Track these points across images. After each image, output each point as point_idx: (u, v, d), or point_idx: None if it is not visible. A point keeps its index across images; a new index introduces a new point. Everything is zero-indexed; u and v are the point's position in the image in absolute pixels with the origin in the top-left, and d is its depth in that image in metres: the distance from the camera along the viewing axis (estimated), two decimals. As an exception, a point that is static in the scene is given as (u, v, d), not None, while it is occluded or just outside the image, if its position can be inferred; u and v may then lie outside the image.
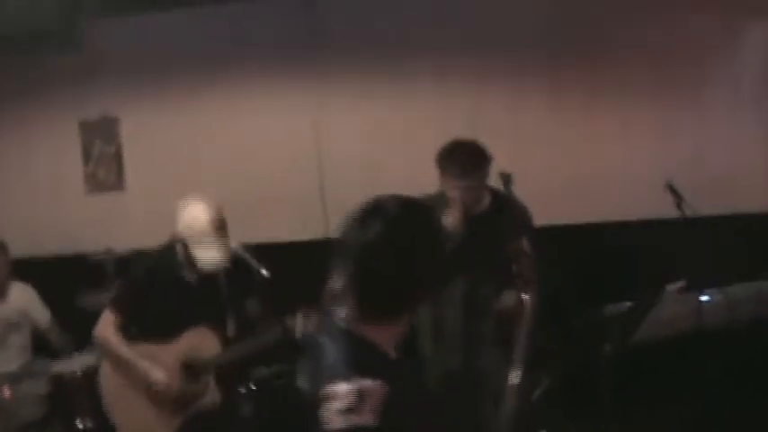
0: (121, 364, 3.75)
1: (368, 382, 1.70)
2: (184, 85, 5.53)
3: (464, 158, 3.67)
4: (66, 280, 5.23)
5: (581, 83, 5.08)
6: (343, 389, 1.71)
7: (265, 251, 3.81)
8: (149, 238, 5.35)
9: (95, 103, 5.64)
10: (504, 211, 3.65)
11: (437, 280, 1.90)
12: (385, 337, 1.82)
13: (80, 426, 4.36)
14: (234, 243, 3.68)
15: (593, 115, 5.09)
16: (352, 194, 5.09)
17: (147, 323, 3.77)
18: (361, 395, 1.69)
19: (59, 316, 5.12)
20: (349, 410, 1.70)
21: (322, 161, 5.31)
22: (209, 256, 3.68)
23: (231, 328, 3.86)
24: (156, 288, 3.75)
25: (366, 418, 1.69)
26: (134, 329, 3.79)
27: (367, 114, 5.29)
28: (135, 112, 5.61)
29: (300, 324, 3.57)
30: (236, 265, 3.73)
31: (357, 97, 5.33)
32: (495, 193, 3.78)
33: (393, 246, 1.80)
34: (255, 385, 4.63)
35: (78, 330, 4.81)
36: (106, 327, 3.76)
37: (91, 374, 4.46)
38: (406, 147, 5.17)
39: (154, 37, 5.55)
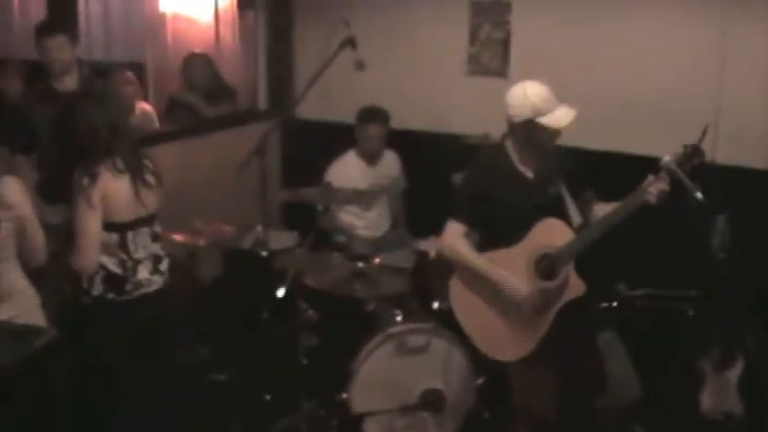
0: (475, 276, 3.66)
1: None
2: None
3: None
4: (438, 157, 5.32)
5: None
6: None
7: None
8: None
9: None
10: None
11: None
12: None
13: (435, 306, 4.42)
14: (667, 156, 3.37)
15: None
16: (750, 120, 4.80)
17: (492, 226, 3.63)
18: None
19: (426, 191, 5.25)
20: None
21: (723, 80, 4.87)
22: (562, 114, 3.46)
23: (575, 221, 3.61)
24: (495, 188, 3.59)
25: None
26: (481, 235, 3.68)
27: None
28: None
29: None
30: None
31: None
32: None
33: None
34: (618, 302, 4.54)
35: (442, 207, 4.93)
36: (454, 236, 3.65)
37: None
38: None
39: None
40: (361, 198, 4.79)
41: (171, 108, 6.03)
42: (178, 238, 4.59)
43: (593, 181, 3.78)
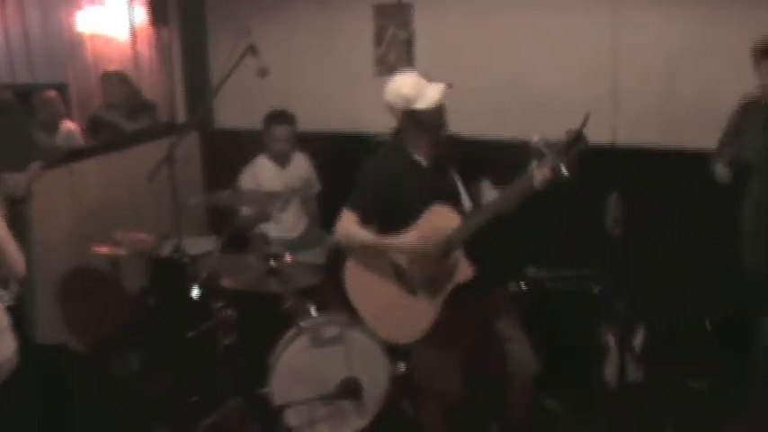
0: (368, 261, 3.80)
1: None
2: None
3: None
4: (350, 157, 5.48)
5: None
6: None
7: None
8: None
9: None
10: None
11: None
12: None
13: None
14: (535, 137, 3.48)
15: None
16: (647, 102, 4.99)
17: (386, 215, 3.75)
18: None
19: (340, 191, 5.41)
20: None
21: (619, 64, 5.11)
22: (432, 92, 3.59)
23: (467, 206, 3.74)
24: (392, 177, 3.73)
25: None
26: (375, 225, 3.78)
27: (667, 14, 4.96)
28: (430, 1, 5.61)
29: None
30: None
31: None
32: None
33: None
34: (527, 285, 4.72)
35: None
36: (347, 223, 3.79)
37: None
38: (706, 56, 4.87)
39: None
40: (273, 200, 4.92)
41: (92, 126, 6.15)
42: (101, 250, 4.73)
43: (497, 169, 3.91)
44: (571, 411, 4.40)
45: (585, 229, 4.60)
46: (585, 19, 5.16)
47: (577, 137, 3.40)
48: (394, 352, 4.27)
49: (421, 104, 3.62)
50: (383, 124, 5.34)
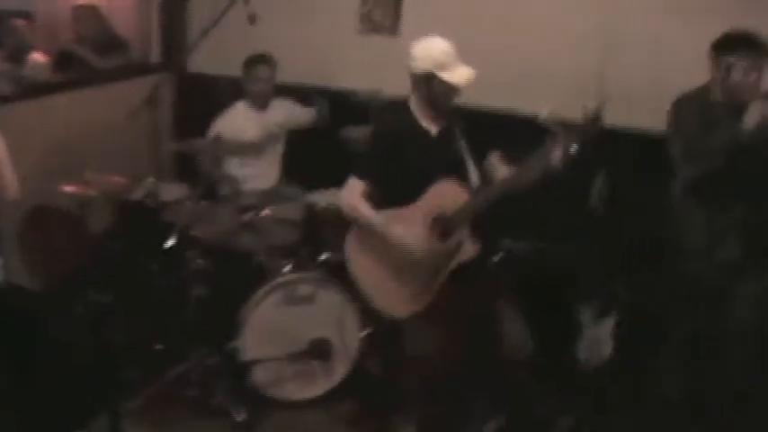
0: (372, 233, 3.74)
1: None
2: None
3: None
4: (329, 113, 5.41)
5: None
6: None
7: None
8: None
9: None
10: None
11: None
12: None
13: (323, 257, 4.53)
14: (545, 112, 3.47)
15: None
16: (633, 84, 4.97)
17: (392, 184, 3.69)
18: None
19: (317, 146, 5.34)
20: None
21: (608, 45, 5.07)
22: (463, 73, 3.58)
23: (474, 180, 3.73)
24: (398, 146, 3.67)
25: None
26: (381, 193, 3.73)
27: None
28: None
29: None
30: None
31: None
32: None
33: None
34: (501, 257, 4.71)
35: (336, 163, 5.02)
36: (353, 194, 3.71)
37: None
38: (697, 34, 4.85)
39: None
40: (251, 149, 4.82)
41: (61, 60, 5.93)
42: (68, 189, 4.59)
43: (491, 141, 3.90)
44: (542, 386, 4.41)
45: (567, 206, 4.62)
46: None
47: (595, 119, 3.40)
48: (367, 314, 4.25)
49: (447, 76, 3.57)
50: (363, 82, 5.32)
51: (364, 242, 3.79)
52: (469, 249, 3.69)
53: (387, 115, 3.85)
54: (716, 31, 3.94)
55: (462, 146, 3.74)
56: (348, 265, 3.83)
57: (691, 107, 3.95)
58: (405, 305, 3.76)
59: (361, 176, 3.70)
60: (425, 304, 3.71)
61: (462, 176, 3.70)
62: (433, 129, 3.73)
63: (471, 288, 3.72)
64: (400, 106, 3.76)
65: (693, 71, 4.01)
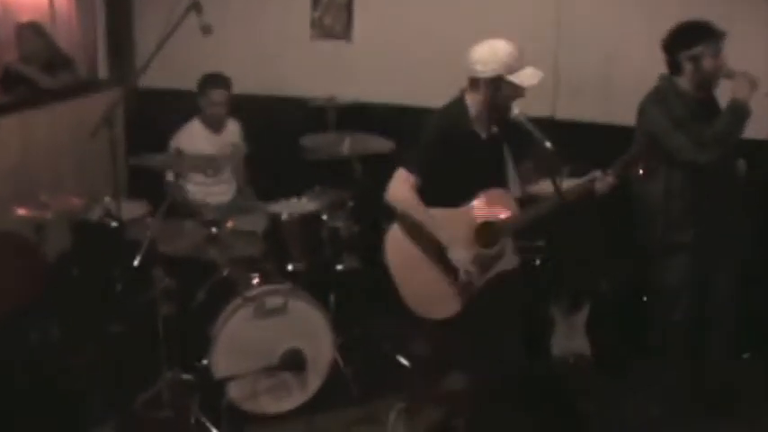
0: (416, 231, 3.64)
1: None
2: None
3: None
4: (284, 122, 5.36)
5: None
6: None
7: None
8: (372, 91, 5.44)
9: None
10: None
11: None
12: None
13: (290, 268, 4.51)
14: (516, 109, 3.47)
15: None
16: (586, 77, 5.00)
17: (436, 182, 3.59)
18: None
19: (274, 155, 5.29)
20: None
21: (560, 40, 5.09)
22: (531, 74, 3.50)
23: (515, 190, 3.73)
24: (449, 144, 3.57)
25: None
26: (424, 188, 3.61)
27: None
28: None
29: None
30: (516, 130, 3.54)
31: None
32: None
33: None
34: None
35: (293, 171, 4.97)
36: (405, 186, 3.58)
37: (308, 220, 4.64)
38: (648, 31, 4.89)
39: None
40: (211, 164, 4.75)
41: (7, 80, 5.79)
42: (22, 212, 4.46)
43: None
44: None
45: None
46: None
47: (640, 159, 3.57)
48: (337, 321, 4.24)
49: (516, 78, 3.49)
50: (317, 88, 5.28)
51: (406, 239, 3.68)
52: (512, 260, 3.71)
53: (443, 112, 3.71)
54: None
55: (508, 153, 3.71)
56: (386, 261, 3.69)
57: (662, 108, 3.91)
58: (437, 308, 3.70)
59: (411, 169, 3.58)
60: (457, 310, 3.68)
61: (503, 183, 3.71)
62: (484, 133, 3.67)
63: (503, 296, 3.71)
64: (457, 106, 3.66)
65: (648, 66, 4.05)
